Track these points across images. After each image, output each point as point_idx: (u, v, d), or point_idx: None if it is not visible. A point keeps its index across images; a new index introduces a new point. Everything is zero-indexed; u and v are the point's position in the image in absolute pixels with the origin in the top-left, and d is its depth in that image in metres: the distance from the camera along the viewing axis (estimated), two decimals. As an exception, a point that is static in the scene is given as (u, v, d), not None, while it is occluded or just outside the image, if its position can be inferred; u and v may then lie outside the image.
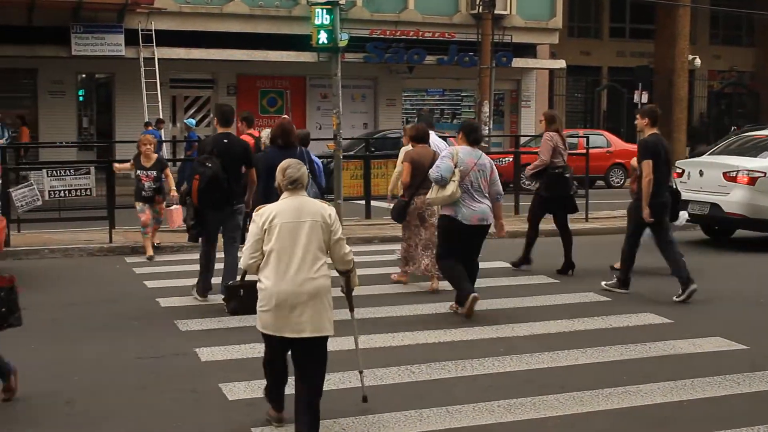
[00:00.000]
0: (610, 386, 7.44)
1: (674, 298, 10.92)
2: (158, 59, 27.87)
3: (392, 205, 11.94)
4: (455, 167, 9.90)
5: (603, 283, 11.44)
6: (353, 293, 6.88)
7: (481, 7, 30.52)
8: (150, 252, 13.68)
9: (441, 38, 32.18)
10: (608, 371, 7.95)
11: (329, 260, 6.33)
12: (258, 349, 7.07)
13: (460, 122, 33.74)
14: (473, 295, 9.86)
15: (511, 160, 22.51)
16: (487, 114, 29.73)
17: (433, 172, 10.04)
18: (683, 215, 13.30)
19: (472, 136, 10.24)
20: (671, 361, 8.32)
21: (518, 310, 10.35)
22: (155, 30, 28.04)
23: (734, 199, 14.83)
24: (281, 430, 6.43)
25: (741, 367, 8.03)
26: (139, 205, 13.73)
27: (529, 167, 13.18)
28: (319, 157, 13.56)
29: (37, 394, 7.26)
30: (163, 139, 25.82)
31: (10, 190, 13.99)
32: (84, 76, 30.70)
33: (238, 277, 9.97)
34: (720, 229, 16.42)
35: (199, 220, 10.44)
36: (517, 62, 33.07)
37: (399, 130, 23.57)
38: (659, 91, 37.09)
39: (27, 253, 13.99)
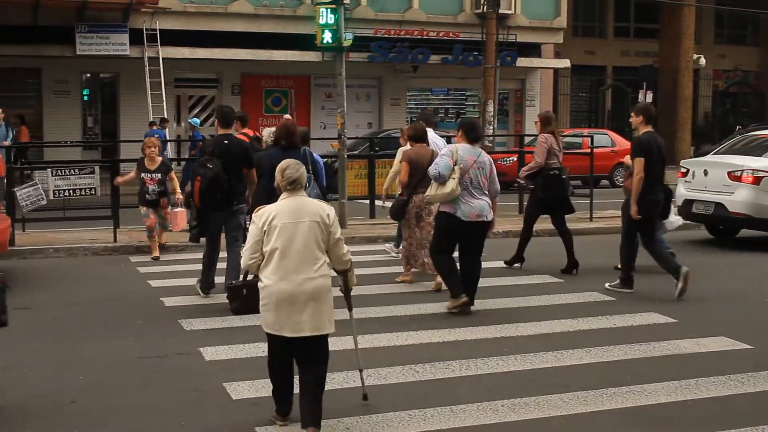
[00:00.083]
0: (615, 386, 7.44)
1: (675, 294, 10.91)
2: (163, 59, 27.91)
3: (385, 203, 12.01)
4: (455, 165, 9.94)
5: (606, 284, 11.43)
6: (351, 293, 6.91)
7: (485, 7, 30.55)
8: (156, 253, 13.67)
9: (445, 38, 32.18)
10: (612, 371, 7.94)
11: (328, 260, 6.37)
12: (262, 349, 7.08)
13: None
14: (465, 299, 10.03)
15: (515, 159, 22.50)
16: (492, 113, 29.74)
17: (431, 170, 10.09)
18: (678, 219, 13.27)
19: (471, 134, 10.28)
20: (675, 360, 8.31)
21: (522, 310, 10.34)
22: (160, 29, 28.07)
23: (739, 199, 14.81)
24: (285, 430, 6.43)
25: (745, 367, 8.02)
26: (143, 210, 13.66)
27: (523, 168, 13.27)
28: (323, 156, 13.58)
29: (41, 393, 7.27)
30: (168, 138, 25.82)
31: (15, 189, 14.00)
32: (88, 75, 30.74)
33: (241, 277, 10.03)
34: (724, 228, 16.39)
35: (201, 220, 10.59)
36: (522, 62, 33.05)
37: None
38: (664, 90, 37.09)
39: (31, 252, 14.00)
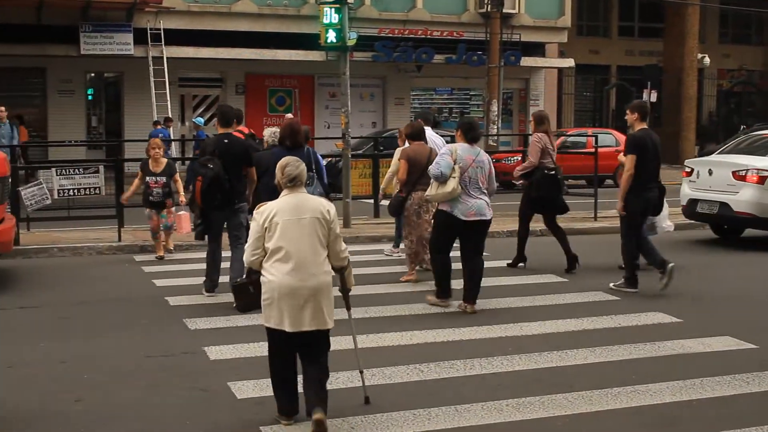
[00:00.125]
0: (619, 385, 7.43)
1: (659, 288, 11.10)
2: (167, 58, 27.92)
3: (382, 203, 12.07)
4: (454, 164, 9.98)
5: (611, 284, 11.42)
6: (350, 293, 6.96)
7: (489, 6, 30.53)
8: (161, 252, 13.66)
9: (449, 37, 32.18)
10: (617, 370, 7.93)
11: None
12: (266, 348, 7.07)
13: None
14: (449, 302, 10.27)
15: (519, 159, 22.50)
16: (496, 113, 29.72)
17: (433, 169, 10.12)
18: (670, 226, 13.24)
19: (470, 134, 10.33)
20: (680, 360, 8.30)
21: (526, 310, 10.33)
22: (164, 29, 28.08)
23: (743, 198, 14.79)
24: (290, 429, 6.43)
25: (750, 367, 8.01)
26: (147, 211, 13.64)
27: (518, 168, 13.30)
28: (328, 156, 13.61)
29: (46, 392, 7.27)
30: (172, 137, 25.84)
31: (20, 188, 14.01)
32: (93, 75, 30.77)
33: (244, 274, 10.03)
34: (729, 228, 16.38)
35: (204, 219, 10.68)
36: (526, 61, 33.05)
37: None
38: (668, 89, 37.07)
39: (36, 251, 14.01)
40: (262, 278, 6.39)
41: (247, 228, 9.87)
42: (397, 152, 12.54)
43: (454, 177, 9.90)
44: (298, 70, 31.26)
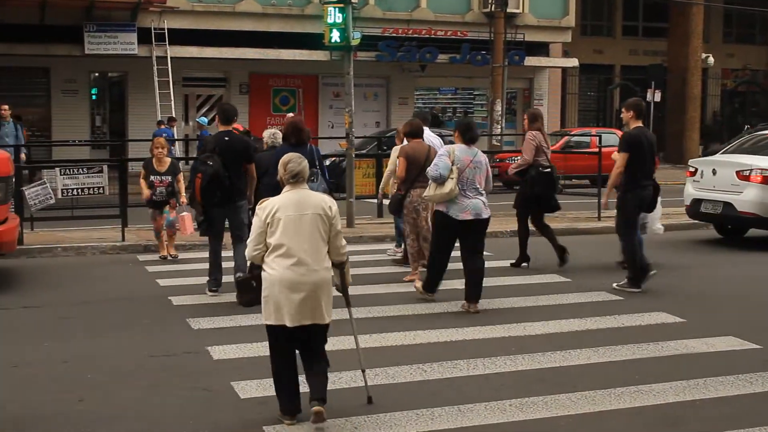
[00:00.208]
0: (622, 385, 7.43)
1: (614, 284, 11.33)
2: (171, 58, 27.94)
3: (382, 201, 12.17)
4: (452, 165, 10.06)
5: (614, 284, 11.41)
6: (348, 290, 7.00)
7: (493, 6, 30.53)
8: (164, 252, 13.66)
9: (453, 37, 32.16)
10: (620, 370, 7.93)
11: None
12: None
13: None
14: (432, 297, 10.57)
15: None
16: (500, 113, 29.71)
17: (431, 171, 10.19)
18: (660, 228, 13.23)
19: (467, 135, 10.41)
20: (683, 360, 8.29)
21: (530, 309, 10.33)
22: (168, 29, 28.09)
23: (747, 198, 14.77)
24: (293, 429, 6.44)
25: (754, 367, 8.00)
26: (150, 212, 13.60)
27: (512, 166, 13.36)
28: (331, 155, 13.63)
29: (49, 392, 7.28)
30: (176, 137, 25.86)
31: (23, 188, 14.02)
32: (97, 74, 30.78)
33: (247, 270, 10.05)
34: (733, 228, 16.36)
35: (206, 216, 10.81)
36: (530, 61, 33.02)
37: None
38: (672, 89, 37.05)
39: (40, 251, 14.02)
40: (263, 273, 6.47)
41: (249, 225, 9.89)
42: (395, 150, 12.62)
43: (452, 178, 10.01)
44: (302, 69, 31.27)
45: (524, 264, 12.93)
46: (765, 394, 7.31)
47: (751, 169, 14.86)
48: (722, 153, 17.13)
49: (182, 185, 13.51)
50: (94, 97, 30.64)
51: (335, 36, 16.27)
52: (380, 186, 13.13)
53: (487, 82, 30.85)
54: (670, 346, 8.69)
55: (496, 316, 9.95)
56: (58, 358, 8.29)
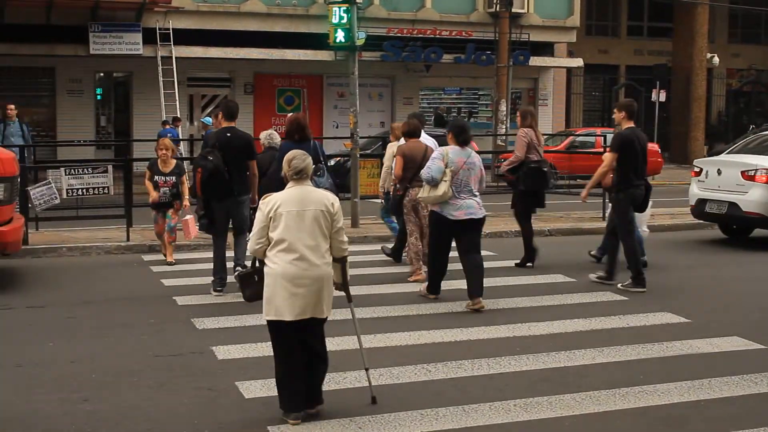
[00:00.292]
0: (627, 386, 7.42)
1: (591, 275, 11.70)
2: (176, 58, 27.94)
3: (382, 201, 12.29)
4: (446, 167, 10.14)
5: (619, 284, 11.41)
6: (349, 286, 7.05)
7: (498, 6, 30.50)
8: (170, 258, 13.47)
9: (458, 37, 32.13)
10: (625, 370, 7.92)
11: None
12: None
13: (475, 121, 33.89)
14: (436, 297, 10.64)
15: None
16: (504, 113, 29.70)
17: (424, 174, 10.35)
18: (645, 230, 13.20)
19: (461, 137, 10.49)
20: (688, 360, 8.28)
21: (534, 309, 10.33)
22: (173, 29, 28.10)
23: (752, 198, 14.76)
24: (297, 428, 6.44)
25: (759, 367, 8.00)
26: (152, 214, 13.47)
27: (504, 163, 13.47)
28: (336, 155, 13.67)
29: (54, 392, 7.29)
30: (180, 137, 25.86)
31: (28, 188, 14.03)
32: (102, 74, 30.79)
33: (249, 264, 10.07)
34: (738, 228, 16.34)
35: (207, 210, 10.96)
36: (535, 61, 32.98)
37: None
38: (677, 89, 37.00)
39: (45, 251, 14.04)
40: (265, 268, 6.55)
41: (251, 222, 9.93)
42: (389, 147, 12.75)
43: (446, 181, 10.13)
44: (307, 69, 31.27)
45: (529, 264, 12.93)
46: (770, 395, 7.31)
47: (756, 169, 14.85)
48: (727, 153, 17.10)
49: (186, 187, 13.39)
50: (99, 97, 30.65)
51: (340, 36, 16.28)
52: (380, 184, 13.19)
53: (492, 82, 30.84)
54: (675, 347, 8.68)
55: (500, 316, 9.95)
56: (63, 358, 8.30)
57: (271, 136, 12.41)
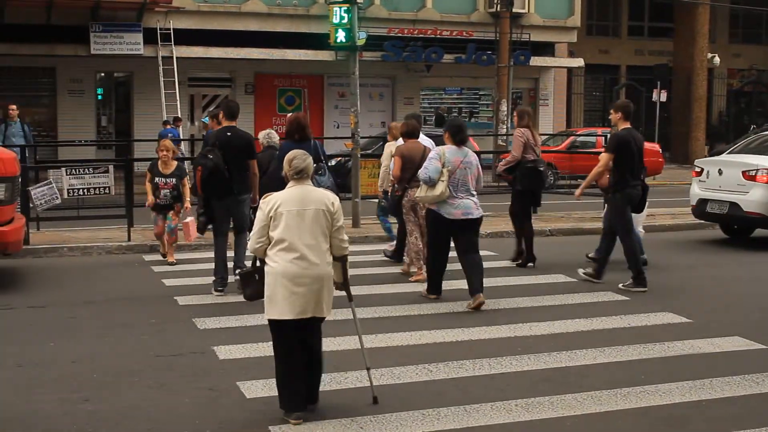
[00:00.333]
0: (628, 385, 7.42)
1: (580, 270, 11.75)
2: (176, 58, 27.96)
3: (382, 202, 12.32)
4: (443, 167, 10.18)
5: (620, 284, 11.41)
6: (349, 284, 7.08)
7: (499, 6, 30.49)
8: (171, 258, 13.44)
9: (459, 37, 32.14)
10: (626, 370, 7.92)
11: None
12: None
13: (476, 121, 33.90)
14: (437, 298, 10.63)
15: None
16: (505, 113, 29.69)
17: (421, 173, 10.39)
18: (640, 231, 13.21)
19: (458, 136, 10.54)
20: (689, 360, 8.28)
21: (536, 309, 10.33)
22: (174, 29, 28.11)
23: (753, 198, 14.76)
24: (299, 428, 6.44)
25: (760, 367, 7.99)
26: (152, 215, 13.43)
27: (501, 163, 13.50)
28: (337, 155, 13.68)
29: (55, 392, 7.28)
30: (181, 137, 25.86)
31: (29, 188, 14.03)
32: (103, 74, 30.82)
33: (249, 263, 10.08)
34: (739, 228, 16.33)
35: (207, 208, 11.02)
36: (535, 61, 33.00)
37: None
38: (678, 89, 36.99)
39: (46, 251, 14.04)
40: (266, 267, 6.58)
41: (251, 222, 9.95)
42: (387, 147, 12.79)
43: (443, 180, 10.17)
44: (308, 69, 31.27)
45: (530, 264, 12.93)
46: (771, 395, 7.31)
47: (758, 169, 14.85)
48: (728, 153, 17.09)
49: (187, 189, 13.35)
50: (99, 97, 30.67)
51: (341, 36, 16.28)
52: (379, 184, 13.20)
53: (493, 82, 30.83)
54: (676, 347, 8.68)
55: (501, 316, 9.95)
56: (64, 358, 8.30)
57: (269, 134, 12.44)
